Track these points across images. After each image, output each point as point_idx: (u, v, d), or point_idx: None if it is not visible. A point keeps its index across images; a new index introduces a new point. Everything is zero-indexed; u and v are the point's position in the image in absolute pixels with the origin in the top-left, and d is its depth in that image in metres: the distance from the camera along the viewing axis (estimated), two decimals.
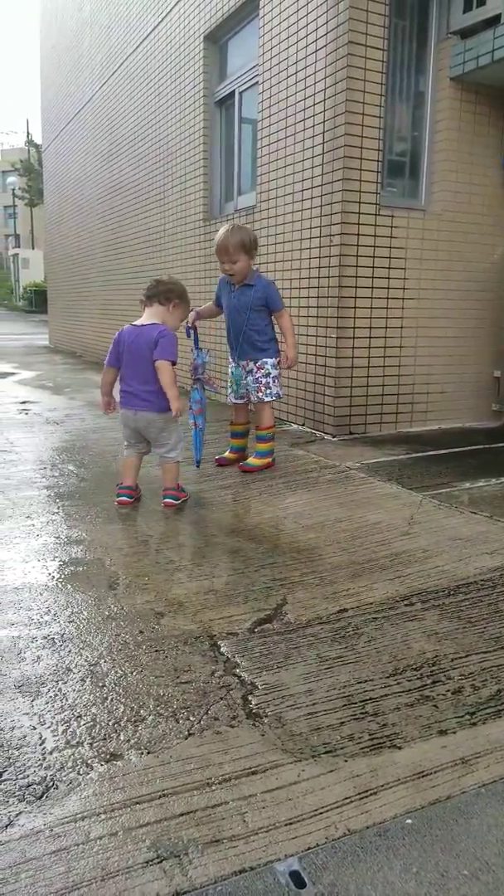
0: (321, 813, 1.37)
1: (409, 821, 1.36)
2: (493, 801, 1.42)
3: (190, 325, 3.85)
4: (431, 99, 4.81)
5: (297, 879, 1.22)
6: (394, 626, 2.13)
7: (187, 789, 1.43)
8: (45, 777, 1.46)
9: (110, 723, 1.65)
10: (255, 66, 5.63)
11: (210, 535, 2.98)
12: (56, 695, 1.76)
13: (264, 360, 3.91)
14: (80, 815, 1.36)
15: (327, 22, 4.49)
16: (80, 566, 2.61)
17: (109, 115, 9.65)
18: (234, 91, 6.24)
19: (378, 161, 4.54)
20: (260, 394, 3.93)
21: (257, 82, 5.51)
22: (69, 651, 1.98)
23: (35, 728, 1.62)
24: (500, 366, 5.31)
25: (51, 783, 1.44)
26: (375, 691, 1.78)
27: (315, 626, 2.14)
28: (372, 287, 4.67)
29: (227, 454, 4.13)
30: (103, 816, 1.36)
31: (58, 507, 3.32)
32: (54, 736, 1.59)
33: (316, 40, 4.62)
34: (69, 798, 1.40)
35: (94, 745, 1.57)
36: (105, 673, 1.87)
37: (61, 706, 1.71)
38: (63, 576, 2.52)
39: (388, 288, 4.74)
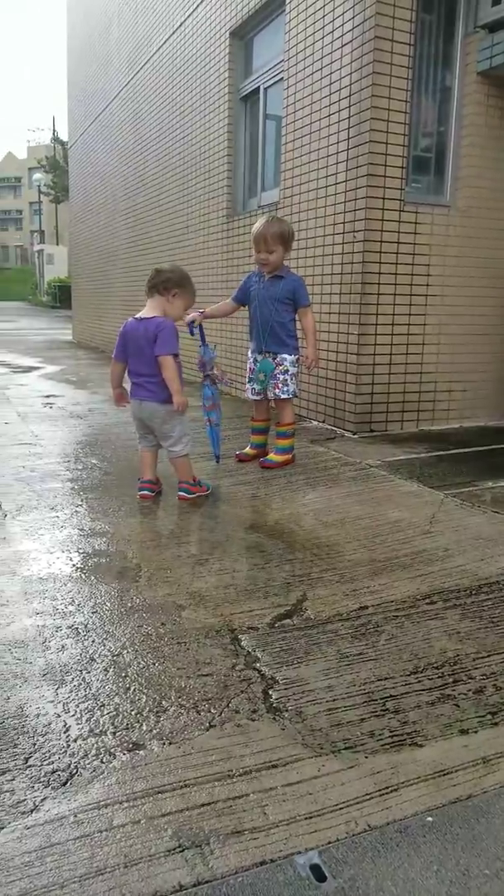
0: (342, 808, 1.38)
1: (429, 818, 1.36)
2: None
3: (194, 324, 3.84)
4: (458, 94, 4.78)
5: (318, 873, 1.23)
6: (415, 625, 2.13)
7: (209, 780, 1.44)
8: (70, 764, 1.48)
9: (133, 713, 1.67)
10: (280, 62, 5.63)
11: (230, 530, 3.00)
12: (80, 684, 1.78)
13: (284, 355, 3.91)
14: (103, 803, 1.38)
15: (353, 17, 4.47)
16: (103, 558, 2.63)
17: (135, 112, 9.69)
18: (259, 87, 6.23)
19: (403, 157, 4.52)
20: (276, 390, 3.93)
21: (282, 78, 5.50)
22: (93, 641, 2.00)
23: (59, 716, 1.64)
24: None
25: (75, 770, 1.46)
26: (396, 689, 1.79)
27: (335, 622, 2.14)
28: (395, 284, 4.65)
29: (247, 450, 4.14)
30: (126, 804, 1.37)
31: (81, 500, 3.35)
32: (78, 724, 1.61)
33: (342, 35, 4.61)
34: (93, 785, 1.42)
35: (117, 734, 1.59)
36: (128, 663, 1.89)
37: (85, 695, 1.73)
38: (86, 567, 2.55)
39: (411, 285, 4.72)
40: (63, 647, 1.97)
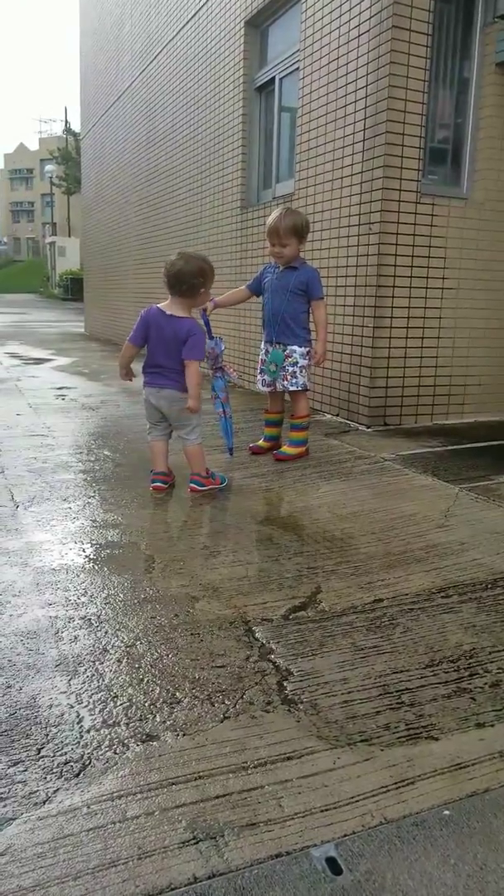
0: (357, 801, 1.36)
1: (446, 812, 1.35)
2: None
3: (207, 313, 3.81)
4: (476, 85, 4.72)
5: (334, 866, 1.22)
6: (430, 618, 2.11)
7: (223, 772, 1.43)
8: (83, 755, 1.47)
9: (146, 704, 1.66)
10: (296, 52, 5.58)
11: (244, 522, 2.98)
12: (93, 675, 1.77)
13: (293, 347, 3.87)
14: (116, 794, 1.37)
15: (371, 6, 4.42)
16: (115, 549, 2.63)
17: (148, 103, 9.65)
18: (274, 77, 6.19)
19: (420, 148, 4.48)
20: (285, 382, 3.90)
21: (298, 68, 5.46)
22: (106, 632, 2.00)
23: (72, 706, 1.64)
24: None
25: (88, 761, 1.46)
26: (412, 682, 1.77)
27: (350, 615, 2.13)
28: (411, 276, 4.62)
29: (260, 442, 4.12)
30: (139, 796, 1.37)
31: (94, 491, 3.35)
32: (91, 715, 1.61)
33: (359, 25, 4.56)
34: (106, 776, 1.42)
35: (131, 725, 1.58)
36: (141, 655, 1.88)
37: (98, 686, 1.72)
38: (99, 558, 2.54)
39: (427, 277, 4.68)
40: (76, 638, 1.97)
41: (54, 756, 1.47)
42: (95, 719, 1.60)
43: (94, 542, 2.70)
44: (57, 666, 1.81)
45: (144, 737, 1.54)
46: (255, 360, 4.12)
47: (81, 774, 1.42)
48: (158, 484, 3.36)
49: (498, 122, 4.71)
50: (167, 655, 1.88)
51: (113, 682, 1.74)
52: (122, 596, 2.24)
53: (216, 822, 1.30)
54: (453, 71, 4.73)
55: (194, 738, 1.54)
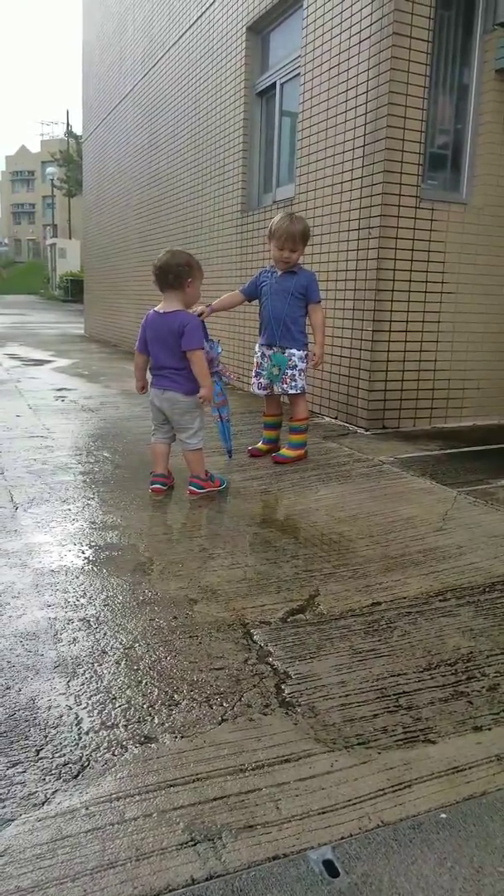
0: (355, 803, 1.37)
1: (443, 815, 1.35)
2: None
3: (202, 318, 3.82)
4: (475, 91, 4.74)
5: (331, 868, 1.22)
6: (428, 621, 2.12)
7: (221, 774, 1.44)
8: (81, 756, 1.48)
9: (145, 706, 1.66)
10: (297, 58, 5.60)
11: (243, 525, 2.99)
12: (92, 676, 1.78)
13: (293, 350, 3.91)
14: (115, 796, 1.37)
15: (372, 13, 4.44)
16: (114, 551, 2.63)
17: (150, 107, 9.68)
18: (275, 82, 6.21)
19: (420, 154, 4.49)
20: (285, 385, 3.93)
21: (299, 73, 5.48)
22: (104, 634, 2.00)
23: (71, 708, 1.64)
24: None
25: (86, 763, 1.46)
26: (409, 685, 1.78)
27: (348, 618, 2.13)
28: (410, 280, 4.63)
29: (259, 445, 4.13)
30: (138, 798, 1.37)
31: (93, 493, 3.35)
32: (90, 716, 1.61)
33: (360, 31, 4.58)
34: (104, 778, 1.42)
35: (129, 727, 1.58)
36: (140, 657, 1.88)
37: (97, 688, 1.73)
38: (98, 560, 2.54)
39: (426, 282, 4.69)
40: (75, 639, 1.97)
41: (53, 757, 1.48)
42: (94, 721, 1.60)
43: (93, 543, 2.71)
44: (56, 667, 1.82)
45: (143, 739, 1.54)
46: (249, 362, 4.13)
47: (80, 776, 1.43)
48: (158, 486, 3.37)
49: (497, 127, 4.73)
50: (166, 657, 1.88)
51: (112, 684, 1.75)
52: (120, 598, 2.24)
53: (214, 824, 1.31)
54: (453, 77, 4.75)
55: (192, 741, 1.54)
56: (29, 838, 1.27)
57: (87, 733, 1.56)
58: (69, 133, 40.47)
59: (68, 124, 41.84)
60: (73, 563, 2.51)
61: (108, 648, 1.92)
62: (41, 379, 7.51)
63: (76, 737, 1.54)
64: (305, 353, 3.95)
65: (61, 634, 1.99)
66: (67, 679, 1.77)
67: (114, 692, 1.72)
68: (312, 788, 1.40)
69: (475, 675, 1.83)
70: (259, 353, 4.03)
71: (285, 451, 3.97)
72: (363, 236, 4.64)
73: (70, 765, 1.46)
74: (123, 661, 1.86)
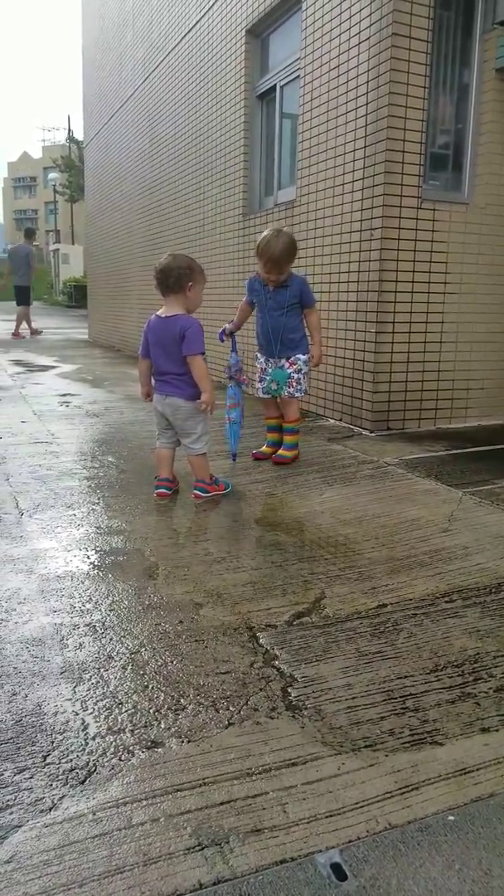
0: (362, 806, 1.36)
1: (451, 817, 1.35)
2: None
3: (225, 333, 3.98)
4: (476, 91, 4.74)
5: (339, 872, 1.22)
6: (434, 623, 2.11)
7: (228, 778, 1.44)
8: (88, 762, 1.48)
9: (151, 710, 1.66)
10: (297, 60, 5.61)
11: (247, 528, 2.99)
12: (98, 682, 1.78)
13: (297, 356, 3.94)
14: (122, 801, 1.37)
15: (371, 14, 4.45)
16: (120, 556, 2.63)
17: (150, 111, 9.70)
18: (275, 85, 6.22)
19: (421, 154, 4.49)
20: (291, 389, 3.96)
21: (299, 76, 5.48)
22: (111, 639, 2.00)
23: (77, 713, 1.64)
24: None
25: (93, 768, 1.46)
26: (416, 687, 1.77)
27: (354, 620, 2.13)
28: (412, 281, 4.63)
29: (263, 448, 4.14)
30: (145, 802, 1.37)
31: (98, 498, 3.36)
32: (96, 722, 1.61)
33: (359, 32, 4.59)
34: (111, 783, 1.42)
35: (136, 731, 1.58)
36: (146, 661, 1.88)
37: (103, 693, 1.73)
38: (104, 565, 2.55)
39: (428, 282, 4.69)
40: (81, 644, 1.97)
41: (60, 763, 1.48)
42: (101, 726, 1.60)
43: (98, 548, 2.71)
44: (62, 673, 1.82)
45: (149, 743, 1.54)
46: (255, 366, 4.16)
47: (87, 781, 1.43)
48: (163, 490, 3.37)
49: (498, 126, 4.72)
50: (172, 662, 1.88)
51: (118, 689, 1.75)
52: (126, 603, 2.24)
53: (221, 828, 1.31)
54: (453, 77, 4.75)
55: (199, 745, 1.54)
56: (36, 844, 1.27)
57: (93, 738, 1.56)
58: (71, 138, 40.59)
59: (70, 130, 41.85)
60: (78, 569, 2.51)
61: (115, 653, 1.92)
62: (45, 384, 7.53)
63: (83, 742, 1.54)
64: (308, 355, 3.98)
65: (67, 640, 1.99)
66: (74, 684, 1.77)
67: (120, 697, 1.72)
68: (320, 792, 1.40)
69: (482, 677, 1.82)
70: (263, 360, 4.06)
71: (283, 452, 4.02)
72: (365, 237, 4.64)
73: (77, 770, 1.46)
74: (129, 666, 1.86)
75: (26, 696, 1.71)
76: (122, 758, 1.50)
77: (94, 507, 3.23)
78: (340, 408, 5.07)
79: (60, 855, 1.24)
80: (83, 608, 2.20)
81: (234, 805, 1.36)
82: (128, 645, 1.97)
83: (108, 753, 1.51)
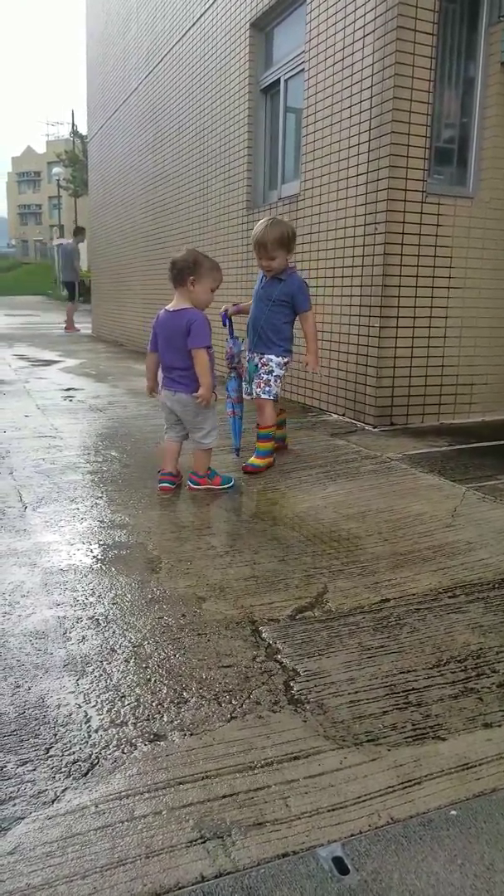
0: (364, 800, 1.36)
1: (453, 812, 1.35)
2: None
3: (227, 315, 3.86)
4: (481, 84, 4.71)
5: (340, 865, 1.22)
6: (437, 618, 2.11)
7: (230, 772, 1.44)
8: (91, 754, 1.48)
9: (154, 703, 1.66)
10: (301, 53, 5.58)
11: (250, 523, 2.99)
12: (101, 675, 1.78)
13: (270, 356, 3.75)
14: (124, 793, 1.37)
15: (376, 7, 4.42)
16: (123, 549, 2.64)
17: (154, 105, 9.67)
18: (279, 79, 6.19)
19: (426, 148, 4.47)
20: (258, 389, 3.77)
21: (303, 69, 5.46)
22: (113, 632, 2.00)
23: (80, 706, 1.65)
24: None
25: (96, 761, 1.46)
26: (418, 682, 1.77)
27: (357, 615, 2.13)
28: (417, 276, 4.61)
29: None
30: (147, 795, 1.37)
31: (101, 492, 3.36)
32: (99, 715, 1.61)
33: (364, 25, 4.56)
34: (114, 776, 1.42)
35: (138, 724, 1.58)
36: (148, 655, 1.88)
37: (106, 686, 1.73)
38: (107, 558, 2.55)
39: (433, 277, 4.67)
40: (84, 638, 1.97)
41: (63, 755, 1.48)
42: (103, 719, 1.60)
43: (101, 542, 2.71)
44: (65, 666, 1.82)
45: (152, 736, 1.55)
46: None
47: (90, 774, 1.43)
48: (166, 485, 3.37)
49: None
50: (174, 655, 1.88)
51: (121, 682, 1.75)
52: (129, 596, 2.24)
53: (223, 821, 1.31)
54: (458, 70, 4.72)
55: (201, 738, 1.54)
56: (39, 836, 1.27)
57: (96, 731, 1.56)
58: (74, 133, 40.54)
59: (73, 124, 41.94)
60: (81, 562, 2.51)
61: (117, 647, 1.93)
62: (49, 379, 7.53)
63: (86, 735, 1.55)
64: (286, 360, 3.80)
65: (70, 633, 2.00)
66: (77, 677, 1.77)
67: (123, 690, 1.72)
68: (322, 785, 1.40)
69: (485, 672, 1.82)
70: (249, 354, 3.91)
71: (255, 461, 3.75)
72: (370, 232, 4.63)
73: (80, 763, 1.46)
74: (132, 660, 1.86)
75: (29, 689, 1.71)
76: (125, 751, 1.50)
77: (97, 500, 3.23)
78: (344, 403, 5.06)
79: (63, 847, 1.25)
80: (86, 601, 2.20)
81: (236, 798, 1.36)
82: (130, 638, 1.97)
83: (110, 746, 1.51)
